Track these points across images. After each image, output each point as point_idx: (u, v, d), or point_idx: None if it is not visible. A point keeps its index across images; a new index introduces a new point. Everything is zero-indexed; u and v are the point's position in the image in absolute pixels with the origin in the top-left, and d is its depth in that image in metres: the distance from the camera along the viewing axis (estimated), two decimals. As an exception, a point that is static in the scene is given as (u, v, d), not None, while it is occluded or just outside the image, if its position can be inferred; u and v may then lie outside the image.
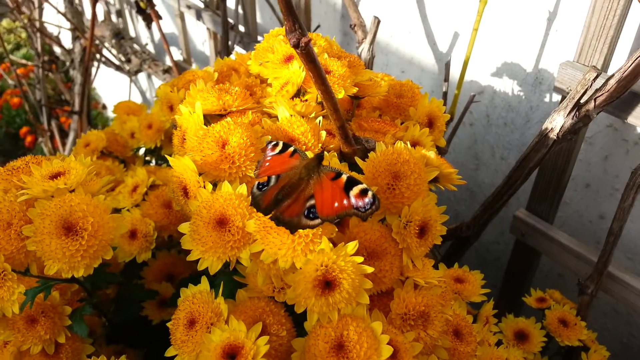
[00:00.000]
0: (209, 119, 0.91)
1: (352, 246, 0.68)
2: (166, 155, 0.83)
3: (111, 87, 3.62)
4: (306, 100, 0.90)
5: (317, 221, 0.69)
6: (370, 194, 0.68)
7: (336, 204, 0.69)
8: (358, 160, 0.79)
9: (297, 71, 0.89)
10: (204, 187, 0.77)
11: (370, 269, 0.68)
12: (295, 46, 0.64)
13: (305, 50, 0.65)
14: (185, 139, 0.85)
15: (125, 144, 1.41)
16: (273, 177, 0.73)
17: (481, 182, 1.63)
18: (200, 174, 0.78)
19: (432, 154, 0.81)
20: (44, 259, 0.73)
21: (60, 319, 0.88)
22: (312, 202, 0.70)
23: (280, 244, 0.69)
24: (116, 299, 1.00)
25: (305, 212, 0.70)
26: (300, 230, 0.68)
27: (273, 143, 0.77)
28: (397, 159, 0.77)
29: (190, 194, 0.78)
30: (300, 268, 0.68)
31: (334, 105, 0.75)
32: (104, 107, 3.79)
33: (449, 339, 0.81)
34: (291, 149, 0.76)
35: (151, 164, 1.45)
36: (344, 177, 0.71)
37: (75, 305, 0.91)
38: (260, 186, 0.73)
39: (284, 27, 1.14)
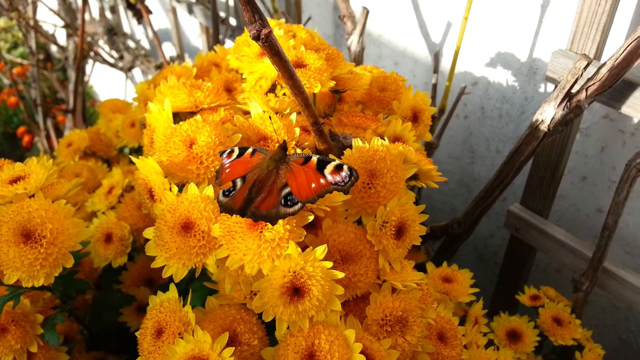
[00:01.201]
0: (182, 117, 0.88)
1: (320, 250, 0.65)
2: (131, 157, 0.79)
3: (108, 84, 3.58)
4: (283, 94, 0.86)
5: (297, 206, 0.67)
6: (345, 167, 0.67)
7: (313, 185, 0.67)
8: (333, 158, 0.76)
9: (271, 65, 0.85)
10: (170, 189, 0.73)
11: (340, 275, 0.64)
12: (256, 38, 0.61)
13: (267, 42, 0.61)
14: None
15: (109, 143, 1.38)
16: (238, 179, 0.70)
17: (477, 175, 1.60)
18: (167, 176, 0.75)
19: (410, 150, 0.77)
20: (3, 268, 0.70)
21: (32, 328, 0.85)
22: (286, 190, 0.69)
23: (246, 249, 0.65)
24: (92, 306, 0.97)
25: (282, 201, 0.68)
26: (267, 234, 0.65)
27: (227, 151, 0.74)
28: (373, 156, 0.73)
29: (156, 196, 0.75)
30: (267, 274, 0.64)
31: (304, 101, 0.71)
32: (101, 104, 3.75)
33: (432, 343, 0.78)
34: (249, 150, 0.73)
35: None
36: (314, 158, 0.70)
37: (48, 312, 0.88)
38: (227, 192, 0.70)
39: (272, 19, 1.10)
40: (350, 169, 0.67)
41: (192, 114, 0.85)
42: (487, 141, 1.51)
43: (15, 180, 0.73)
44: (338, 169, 0.68)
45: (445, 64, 1.50)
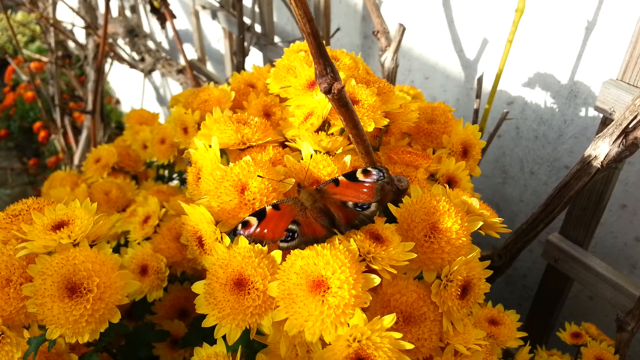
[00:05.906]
0: (227, 152, 0.84)
1: (389, 320, 0.60)
2: (180, 202, 0.75)
3: (125, 81, 3.55)
4: (332, 133, 0.82)
5: (373, 205, 0.69)
6: (370, 168, 0.71)
7: (365, 189, 0.70)
8: (391, 207, 0.71)
9: (322, 101, 0.81)
10: (221, 239, 0.69)
11: (410, 346, 0.60)
12: (327, 92, 0.57)
13: (337, 96, 0.57)
14: (200, 177, 0.77)
15: (137, 159, 1.34)
16: (292, 225, 0.67)
17: (508, 196, 1.55)
18: (217, 222, 0.71)
19: (474, 200, 0.73)
20: (46, 324, 0.66)
21: (66, 368, 0.81)
22: (350, 203, 0.70)
23: (307, 315, 0.60)
24: (125, 341, 0.94)
25: (359, 209, 0.69)
26: (331, 300, 0.60)
27: (241, 224, 0.68)
28: (436, 208, 0.69)
29: (205, 246, 0.71)
30: (330, 344, 0.60)
31: (365, 149, 0.67)
32: (118, 101, 3.72)
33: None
34: (269, 207, 0.69)
35: (170, 182, 1.39)
36: (341, 178, 0.72)
37: (82, 350, 0.85)
38: (288, 238, 0.66)
39: (304, 41, 1.06)
40: (375, 168, 0.71)
41: (239, 150, 0.81)
42: (521, 162, 1.47)
43: (58, 227, 0.69)
44: (365, 173, 0.71)
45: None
